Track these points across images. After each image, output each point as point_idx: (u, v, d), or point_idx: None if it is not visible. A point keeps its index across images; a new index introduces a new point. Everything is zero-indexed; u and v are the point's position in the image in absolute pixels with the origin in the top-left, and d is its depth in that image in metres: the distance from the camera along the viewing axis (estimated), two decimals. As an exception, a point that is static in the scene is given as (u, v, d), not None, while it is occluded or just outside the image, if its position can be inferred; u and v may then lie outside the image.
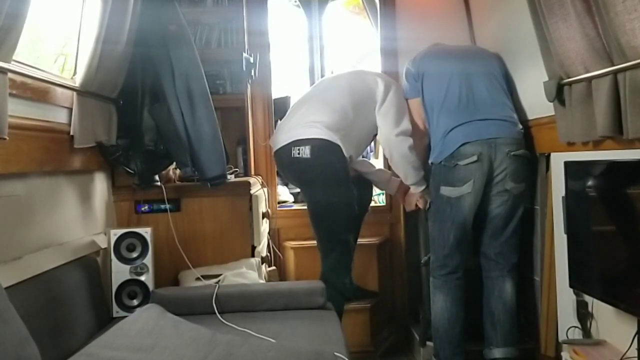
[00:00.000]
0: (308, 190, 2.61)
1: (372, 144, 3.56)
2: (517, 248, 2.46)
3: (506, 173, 2.33)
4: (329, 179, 2.46)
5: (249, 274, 2.47)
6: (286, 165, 2.57)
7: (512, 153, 2.32)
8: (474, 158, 2.29)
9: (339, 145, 2.44)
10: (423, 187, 2.58)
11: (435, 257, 2.47)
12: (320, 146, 2.43)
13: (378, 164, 3.34)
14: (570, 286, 2.03)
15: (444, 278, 2.43)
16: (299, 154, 2.44)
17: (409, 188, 2.71)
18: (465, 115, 2.37)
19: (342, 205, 2.48)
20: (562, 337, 2.24)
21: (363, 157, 3.20)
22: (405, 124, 2.55)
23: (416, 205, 2.69)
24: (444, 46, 2.73)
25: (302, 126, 2.48)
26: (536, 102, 2.32)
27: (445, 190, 2.38)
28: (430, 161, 2.48)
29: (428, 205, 2.55)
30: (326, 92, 2.65)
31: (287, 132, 2.52)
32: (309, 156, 2.42)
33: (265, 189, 3.08)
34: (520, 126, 2.39)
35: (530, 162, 2.41)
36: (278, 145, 2.53)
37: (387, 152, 2.60)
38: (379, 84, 2.58)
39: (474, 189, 2.33)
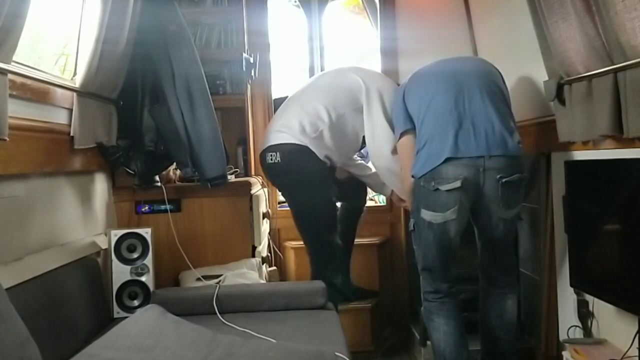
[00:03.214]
0: (286, 194, 2.68)
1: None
2: (515, 262, 2.36)
3: (498, 202, 2.01)
4: (303, 183, 2.48)
5: (249, 274, 2.47)
6: (265, 170, 2.62)
7: (504, 180, 1.97)
8: (457, 184, 1.96)
9: (308, 148, 2.44)
10: None
11: (426, 282, 2.19)
12: (290, 151, 2.45)
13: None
14: (571, 285, 2.03)
15: (440, 300, 2.16)
16: (271, 159, 2.48)
17: None
18: (453, 118, 2.01)
19: (319, 207, 2.50)
20: (563, 336, 2.24)
21: (362, 157, 3.19)
22: (393, 140, 2.37)
23: None
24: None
25: (274, 132, 2.52)
26: (536, 101, 2.32)
27: (427, 215, 2.06)
28: (411, 174, 2.14)
29: (412, 227, 2.19)
30: (303, 94, 2.63)
31: (264, 138, 2.57)
32: (280, 161, 2.46)
33: (266, 189, 3.08)
34: (519, 138, 2.05)
35: (525, 184, 2.13)
36: (260, 150, 2.58)
37: (377, 169, 2.58)
38: (362, 86, 2.48)
39: (460, 215, 2.02)
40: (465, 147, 1.97)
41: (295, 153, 2.45)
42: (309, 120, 2.47)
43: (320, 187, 2.49)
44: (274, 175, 2.59)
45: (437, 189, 1.99)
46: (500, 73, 2.23)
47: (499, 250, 2.20)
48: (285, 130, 2.47)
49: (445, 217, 2.02)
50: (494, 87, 2.11)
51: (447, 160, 1.97)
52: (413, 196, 2.17)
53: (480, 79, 2.12)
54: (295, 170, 2.47)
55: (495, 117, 2.02)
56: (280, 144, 2.47)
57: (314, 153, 2.45)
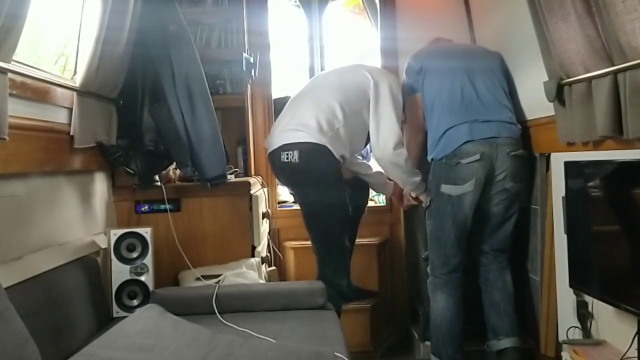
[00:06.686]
0: (300, 194, 2.60)
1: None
2: (512, 241, 2.50)
3: (506, 173, 2.34)
4: (320, 182, 2.44)
5: (249, 274, 2.47)
6: (278, 169, 2.56)
7: (512, 153, 2.33)
8: (477, 157, 2.29)
9: (327, 147, 2.41)
10: (422, 190, 2.56)
11: (437, 255, 2.45)
12: (308, 150, 2.40)
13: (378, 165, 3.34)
14: (570, 286, 2.03)
15: (446, 277, 2.42)
16: (287, 158, 2.42)
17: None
18: (468, 114, 2.36)
19: (334, 207, 2.46)
20: (562, 337, 2.24)
21: (363, 157, 3.20)
22: (398, 134, 2.47)
23: (416, 199, 2.66)
24: (447, 44, 2.74)
25: (290, 130, 2.46)
26: (536, 102, 2.32)
27: (446, 189, 2.36)
28: (430, 157, 2.45)
29: (428, 203, 2.50)
30: (315, 91, 2.61)
31: (277, 136, 2.50)
32: (297, 160, 2.40)
33: (266, 189, 3.08)
34: (520, 126, 2.40)
35: (527, 162, 2.42)
36: (270, 148, 2.52)
37: (381, 163, 2.57)
38: (370, 81, 2.52)
39: (475, 188, 2.32)
40: (481, 132, 2.32)
41: (314, 152, 2.41)
42: (326, 118, 2.44)
43: (336, 187, 2.46)
44: (289, 175, 2.52)
45: (459, 162, 2.31)
46: (504, 62, 2.55)
47: (500, 225, 2.44)
48: (302, 129, 2.42)
49: (463, 190, 2.33)
50: (498, 85, 2.45)
51: (467, 142, 2.31)
52: (431, 176, 2.46)
53: (489, 77, 2.45)
54: (313, 169, 2.43)
55: (502, 112, 2.38)
56: (298, 142, 2.41)
57: (331, 152, 2.42)
